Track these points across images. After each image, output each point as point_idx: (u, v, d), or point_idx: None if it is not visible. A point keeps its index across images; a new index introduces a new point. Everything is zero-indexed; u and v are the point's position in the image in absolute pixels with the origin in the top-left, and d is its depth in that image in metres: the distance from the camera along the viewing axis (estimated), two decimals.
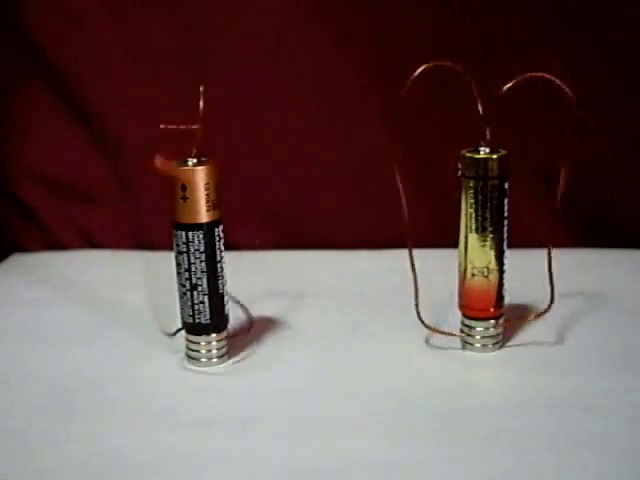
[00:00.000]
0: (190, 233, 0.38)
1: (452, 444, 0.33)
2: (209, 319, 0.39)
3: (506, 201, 0.39)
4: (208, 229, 0.38)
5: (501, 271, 0.40)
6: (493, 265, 0.39)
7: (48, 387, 0.39)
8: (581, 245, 0.56)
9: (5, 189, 0.59)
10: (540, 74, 0.36)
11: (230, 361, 0.41)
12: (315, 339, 0.43)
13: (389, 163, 0.38)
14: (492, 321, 0.40)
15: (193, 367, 0.40)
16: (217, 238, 0.39)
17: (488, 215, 0.39)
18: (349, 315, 0.46)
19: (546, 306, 0.40)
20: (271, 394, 0.38)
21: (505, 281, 0.40)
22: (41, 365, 0.41)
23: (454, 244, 0.40)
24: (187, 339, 0.40)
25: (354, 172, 0.57)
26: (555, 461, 0.32)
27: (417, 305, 0.40)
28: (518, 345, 0.42)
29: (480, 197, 0.38)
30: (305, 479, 0.32)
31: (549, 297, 0.40)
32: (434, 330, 0.41)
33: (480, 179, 0.38)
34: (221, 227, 0.39)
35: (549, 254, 0.39)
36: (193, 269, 0.38)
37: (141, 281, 0.52)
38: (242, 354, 0.42)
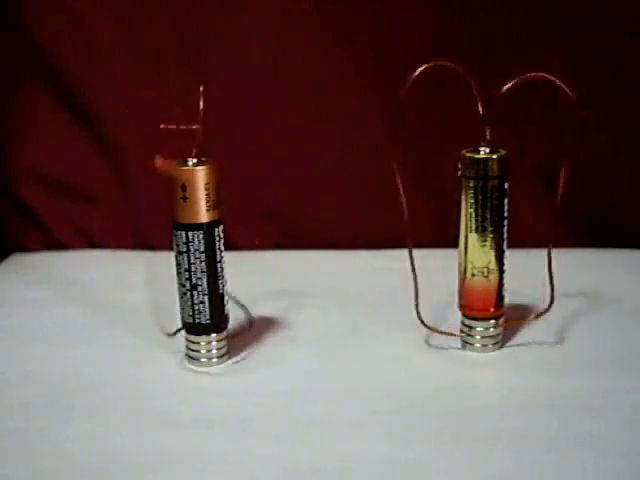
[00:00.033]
0: (190, 233, 0.38)
1: (452, 444, 0.33)
2: (209, 319, 0.39)
3: (506, 201, 0.39)
4: (208, 229, 0.38)
5: (501, 271, 0.40)
6: (493, 265, 0.39)
7: (48, 387, 0.39)
8: (581, 245, 0.56)
9: (5, 189, 0.59)
10: (540, 74, 0.36)
11: (230, 361, 0.41)
12: (315, 339, 0.43)
13: (389, 163, 0.38)
14: (492, 321, 0.41)
15: (193, 367, 0.40)
16: (217, 238, 0.39)
17: (488, 215, 0.39)
18: (349, 315, 0.46)
19: (546, 306, 0.40)
20: (271, 394, 0.38)
21: (505, 281, 0.40)
22: (41, 365, 0.41)
23: (454, 244, 0.40)
24: (187, 339, 0.40)
25: (354, 172, 0.57)
26: (555, 461, 0.32)
27: (417, 305, 0.40)
28: (518, 345, 0.42)
29: (480, 197, 0.38)
30: (305, 479, 0.32)
31: (549, 297, 0.40)
32: (434, 330, 0.41)
33: (480, 179, 0.38)
34: (221, 227, 0.39)
35: (549, 254, 0.39)
36: (193, 269, 0.38)
37: (141, 281, 0.52)
38: (242, 354, 0.42)
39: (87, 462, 0.33)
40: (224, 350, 0.41)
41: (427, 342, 0.42)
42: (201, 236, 0.38)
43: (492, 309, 0.40)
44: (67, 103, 0.57)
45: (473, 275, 0.40)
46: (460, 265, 0.40)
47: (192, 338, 0.40)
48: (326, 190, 0.57)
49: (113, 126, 0.57)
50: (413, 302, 0.40)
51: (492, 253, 0.39)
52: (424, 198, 0.56)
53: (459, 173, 0.39)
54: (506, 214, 0.39)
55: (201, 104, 0.37)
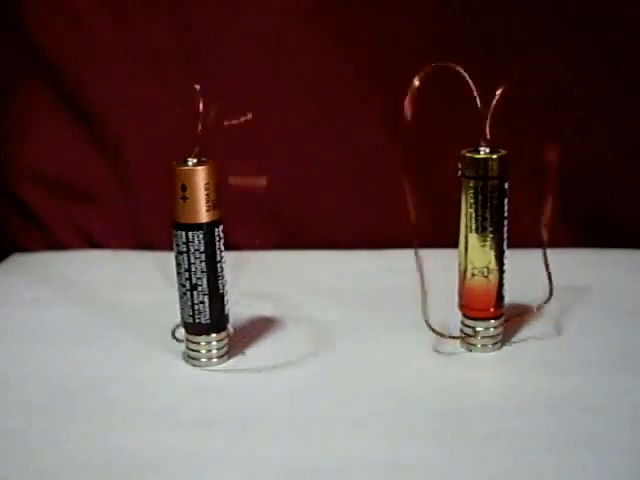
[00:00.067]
0: (190, 233, 0.38)
1: (452, 444, 0.33)
2: (209, 319, 0.39)
3: (506, 201, 0.39)
4: (208, 229, 0.38)
5: (501, 271, 0.40)
6: (493, 265, 0.39)
7: (48, 387, 0.39)
8: (581, 245, 0.56)
9: (5, 189, 0.59)
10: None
11: (230, 361, 0.41)
12: (315, 339, 0.43)
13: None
14: (492, 321, 0.41)
15: (193, 367, 0.40)
16: (217, 238, 0.39)
17: (488, 215, 0.39)
18: (349, 315, 0.46)
19: (546, 299, 0.40)
20: (271, 394, 0.38)
21: (505, 281, 0.40)
22: (41, 365, 0.41)
23: (454, 244, 0.40)
24: (187, 339, 0.40)
25: (354, 172, 0.56)
26: (555, 461, 0.32)
27: (425, 312, 0.39)
28: (518, 345, 0.42)
29: (480, 197, 0.38)
30: (305, 479, 0.32)
31: (548, 290, 0.40)
32: (445, 336, 0.40)
33: (480, 179, 0.38)
34: (221, 227, 0.39)
35: (544, 250, 0.39)
36: (193, 269, 0.38)
37: (141, 281, 0.52)
38: (242, 354, 0.42)
39: (87, 462, 0.33)
40: (224, 350, 0.41)
41: (427, 342, 0.42)
42: (201, 236, 0.38)
43: (492, 309, 0.40)
44: (67, 103, 0.57)
45: (473, 275, 0.40)
46: (460, 265, 0.40)
47: (192, 338, 0.40)
48: (326, 190, 0.57)
49: (113, 126, 0.57)
50: (416, 304, 0.39)
51: (492, 253, 0.39)
52: (424, 198, 0.55)
53: (459, 173, 0.39)
54: (506, 214, 0.39)
55: (201, 105, 0.37)
